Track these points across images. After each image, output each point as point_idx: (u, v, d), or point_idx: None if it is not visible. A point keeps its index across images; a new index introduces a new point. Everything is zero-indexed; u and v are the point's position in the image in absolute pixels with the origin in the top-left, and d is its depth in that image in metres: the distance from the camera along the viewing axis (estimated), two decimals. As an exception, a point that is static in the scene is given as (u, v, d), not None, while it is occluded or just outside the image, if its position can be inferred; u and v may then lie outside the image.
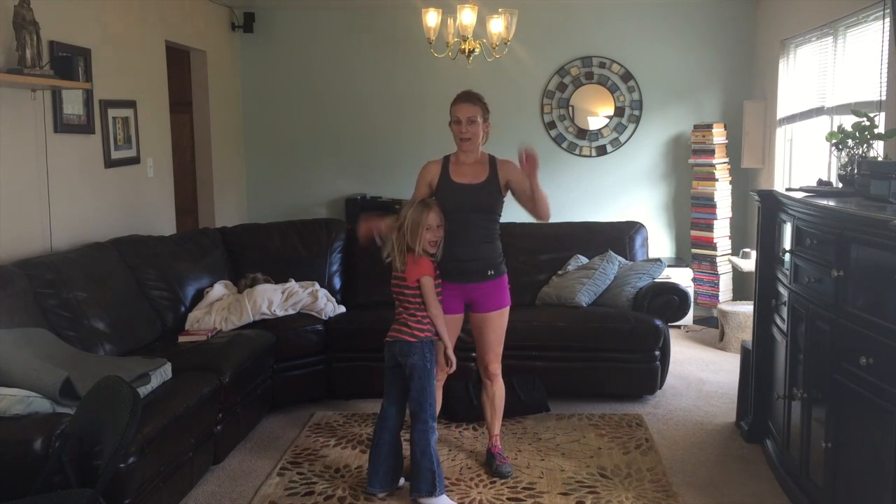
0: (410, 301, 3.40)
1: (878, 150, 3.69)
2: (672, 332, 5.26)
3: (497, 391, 3.78)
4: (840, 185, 3.65)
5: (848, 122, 3.74)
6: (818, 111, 5.14)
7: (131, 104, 5.07)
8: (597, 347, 4.57)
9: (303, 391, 4.60)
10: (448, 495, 3.43)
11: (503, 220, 3.74)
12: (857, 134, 3.55)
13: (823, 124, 5.03)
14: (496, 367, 3.74)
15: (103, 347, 3.82)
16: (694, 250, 6.57)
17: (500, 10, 5.21)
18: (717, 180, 6.39)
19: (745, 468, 3.76)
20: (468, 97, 3.62)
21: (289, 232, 5.29)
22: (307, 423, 4.37)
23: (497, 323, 3.67)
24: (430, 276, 3.38)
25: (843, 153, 3.64)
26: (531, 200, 3.54)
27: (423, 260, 3.38)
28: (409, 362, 3.34)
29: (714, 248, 6.42)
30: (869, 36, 4.38)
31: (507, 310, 3.70)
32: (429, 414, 3.35)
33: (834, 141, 3.69)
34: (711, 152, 6.39)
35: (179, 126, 6.13)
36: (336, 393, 4.70)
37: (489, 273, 3.61)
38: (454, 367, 3.52)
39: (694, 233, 6.58)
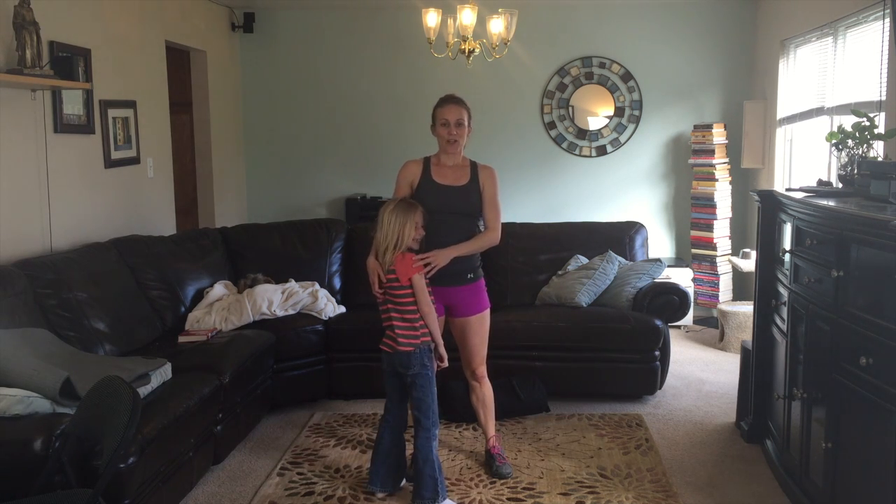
0: (404, 303, 3.33)
1: (878, 150, 3.69)
2: (672, 332, 5.26)
3: (486, 392, 3.78)
4: (840, 185, 3.65)
5: (848, 122, 3.74)
6: (818, 111, 5.14)
7: (131, 104, 5.07)
8: (597, 347, 4.57)
9: (303, 391, 4.60)
10: (448, 496, 3.43)
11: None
12: (857, 134, 3.55)
13: (823, 124, 5.03)
14: (483, 370, 3.75)
15: (103, 347, 3.82)
16: (694, 250, 6.57)
17: (500, 10, 5.20)
18: (717, 180, 6.38)
19: (745, 468, 3.76)
20: (455, 99, 3.66)
21: (289, 232, 5.28)
22: (307, 423, 4.37)
23: (479, 326, 3.67)
24: (422, 273, 3.35)
25: (843, 153, 3.64)
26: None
27: (410, 256, 3.34)
28: (411, 373, 3.33)
29: (714, 248, 6.41)
30: (869, 36, 4.38)
31: (487, 312, 3.71)
32: (431, 421, 3.34)
33: (834, 141, 3.69)
34: (711, 152, 6.39)
35: (179, 126, 6.13)
36: (336, 393, 4.70)
37: (469, 276, 3.62)
38: (446, 363, 3.46)
39: (694, 233, 6.58)
